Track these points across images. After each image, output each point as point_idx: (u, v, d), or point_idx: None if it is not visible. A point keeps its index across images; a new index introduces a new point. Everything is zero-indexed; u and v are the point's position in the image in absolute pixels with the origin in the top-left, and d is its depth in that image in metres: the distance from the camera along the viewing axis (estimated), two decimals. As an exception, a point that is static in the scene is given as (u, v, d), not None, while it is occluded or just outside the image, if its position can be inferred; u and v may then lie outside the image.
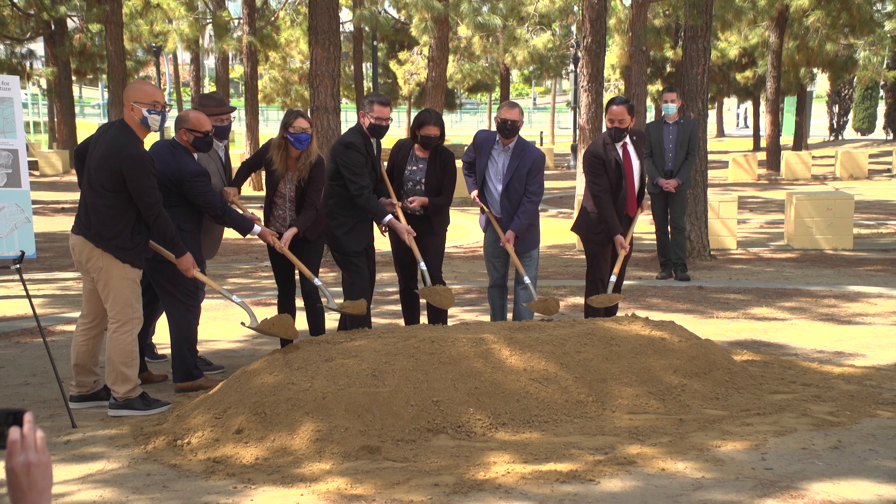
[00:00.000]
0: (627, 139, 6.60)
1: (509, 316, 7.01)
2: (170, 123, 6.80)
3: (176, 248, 5.34)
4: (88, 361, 5.38)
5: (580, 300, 8.47)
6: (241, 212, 6.05)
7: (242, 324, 5.69)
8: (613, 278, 6.58)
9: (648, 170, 9.19)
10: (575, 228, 7.03)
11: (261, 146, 6.38)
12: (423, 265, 6.38)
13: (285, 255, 5.99)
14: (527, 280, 6.60)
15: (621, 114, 6.44)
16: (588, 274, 6.77)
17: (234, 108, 6.49)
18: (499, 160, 6.58)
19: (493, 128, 6.85)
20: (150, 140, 5.14)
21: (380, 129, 6.28)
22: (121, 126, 5.14)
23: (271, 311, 7.64)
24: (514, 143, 6.56)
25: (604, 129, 6.83)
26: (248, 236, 5.94)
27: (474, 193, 6.74)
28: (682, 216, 9.81)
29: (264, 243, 6.09)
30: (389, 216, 6.20)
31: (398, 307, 7.24)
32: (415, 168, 6.47)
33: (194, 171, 5.61)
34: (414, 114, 41.22)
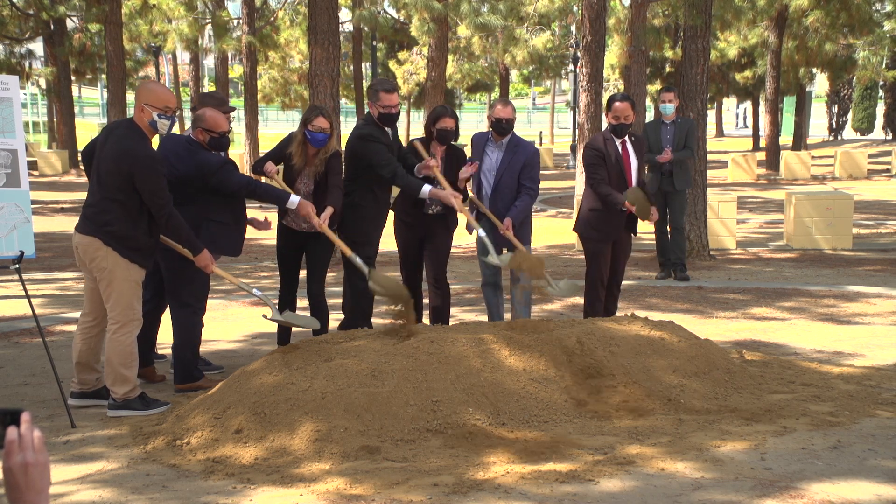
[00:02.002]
0: (626, 137, 6.61)
1: (507, 316, 7.01)
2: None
3: (192, 246, 5.33)
4: (90, 359, 5.38)
5: (580, 300, 8.47)
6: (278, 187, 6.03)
7: (264, 316, 5.67)
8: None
9: (649, 159, 9.09)
10: (575, 228, 7.04)
11: (281, 139, 6.32)
12: (481, 232, 6.22)
13: (324, 232, 5.86)
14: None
15: (626, 110, 6.48)
16: (588, 274, 6.77)
17: (234, 108, 6.47)
18: (493, 155, 6.64)
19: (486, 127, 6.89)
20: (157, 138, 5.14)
21: (390, 118, 6.20)
22: (129, 126, 5.14)
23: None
24: (508, 139, 6.62)
25: (604, 128, 6.83)
26: (288, 207, 5.79)
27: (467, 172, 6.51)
28: (682, 216, 9.80)
29: (268, 242, 6.08)
30: (428, 187, 6.03)
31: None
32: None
33: (217, 163, 5.60)
34: (413, 113, 41.29)
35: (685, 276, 9.62)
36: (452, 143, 6.57)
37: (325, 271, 6.25)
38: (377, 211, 6.26)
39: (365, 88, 29.20)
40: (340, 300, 6.54)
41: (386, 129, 6.26)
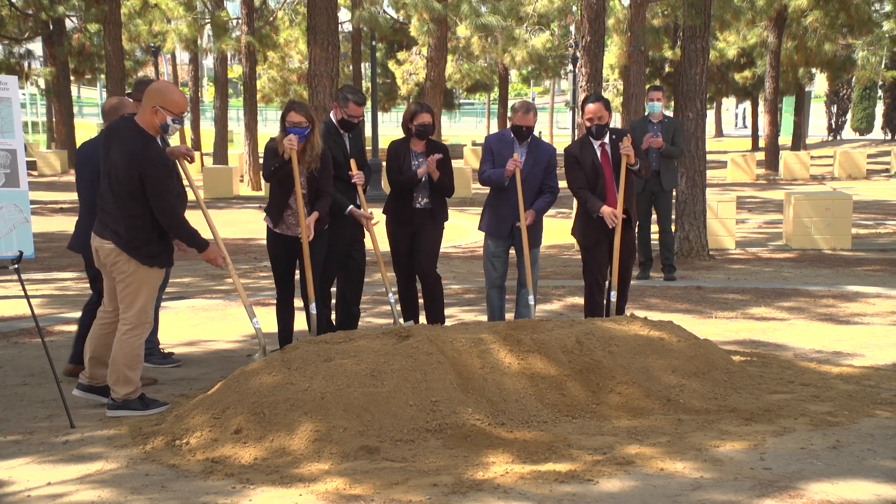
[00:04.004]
0: (607, 139, 6.59)
1: (509, 316, 7.01)
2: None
3: (197, 243, 5.29)
4: (105, 354, 5.36)
5: (579, 300, 8.47)
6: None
7: (248, 356, 5.76)
8: (614, 295, 6.53)
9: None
10: (572, 231, 7.07)
11: (265, 152, 6.31)
12: (391, 297, 6.39)
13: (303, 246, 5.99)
14: (531, 300, 6.61)
15: (599, 111, 6.51)
16: (584, 276, 6.78)
17: None
18: (516, 152, 6.68)
19: (496, 129, 6.95)
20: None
21: (350, 125, 6.45)
22: (133, 128, 5.06)
23: (270, 312, 7.65)
24: (529, 140, 6.72)
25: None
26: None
27: (511, 164, 6.53)
28: (669, 217, 9.79)
29: (263, 242, 6.12)
30: (350, 206, 6.36)
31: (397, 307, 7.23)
32: (416, 163, 6.59)
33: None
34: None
35: (672, 277, 9.60)
36: (431, 137, 6.71)
37: (319, 266, 6.29)
38: (333, 215, 6.33)
39: (364, 89, 29.23)
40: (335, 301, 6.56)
41: (344, 133, 6.45)
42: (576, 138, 24.75)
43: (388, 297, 6.44)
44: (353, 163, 6.47)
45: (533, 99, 73.85)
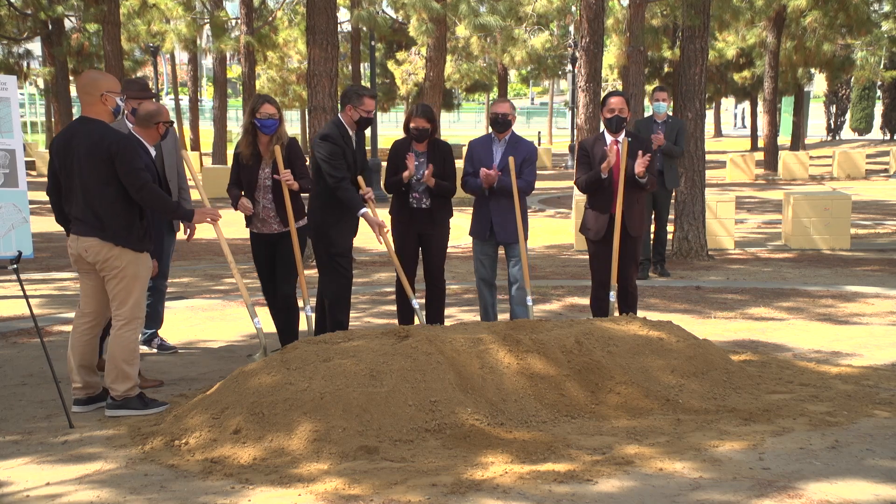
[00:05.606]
0: (622, 138, 6.58)
1: (504, 316, 7.01)
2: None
3: (180, 213, 5.40)
4: (93, 360, 5.36)
5: (578, 300, 8.48)
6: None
7: (248, 356, 5.77)
8: (613, 296, 6.53)
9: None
10: (580, 228, 7.10)
11: (233, 159, 6.41)
12: (415, 303, 6.41)
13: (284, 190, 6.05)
14: (528, 301, 6.63)
15: (620, 103, 6.59)
16: (591, 272, 6.81)
17: (156, 95, 6.54)
18: (495, 151, 6.77)
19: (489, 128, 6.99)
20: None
21: (368, 122, 6.43)
22: (86, 123, 5.08)
23: (265, 311, 7.65)
24: (509, 137, 6.77)
25: (601, 129, 6.85)
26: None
27: (485, 173, 6.61)
28: (666, 215, 9.83)
29: (251, 241, 6.24)
30: (364, 209, 6.27)
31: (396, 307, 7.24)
32: (417, 163, 6.59)
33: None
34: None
35: (666, 272, 9.67)
36: (436, 137, 6.72)
37: (293, 272, 6.29)
38: (339, 213, 6.30)
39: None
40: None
41: (352, 134, 6.39)
42: (574, 137, 24.57)
43: (413, 305, 6.44)
44: (361, 180, 6.40)
45: (532, 99, 73.89)
